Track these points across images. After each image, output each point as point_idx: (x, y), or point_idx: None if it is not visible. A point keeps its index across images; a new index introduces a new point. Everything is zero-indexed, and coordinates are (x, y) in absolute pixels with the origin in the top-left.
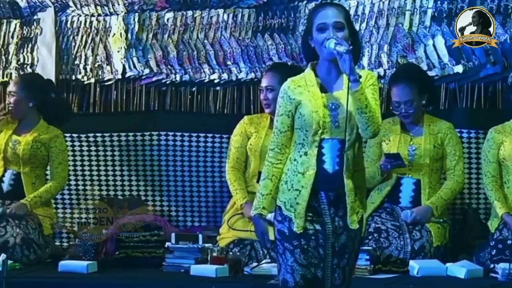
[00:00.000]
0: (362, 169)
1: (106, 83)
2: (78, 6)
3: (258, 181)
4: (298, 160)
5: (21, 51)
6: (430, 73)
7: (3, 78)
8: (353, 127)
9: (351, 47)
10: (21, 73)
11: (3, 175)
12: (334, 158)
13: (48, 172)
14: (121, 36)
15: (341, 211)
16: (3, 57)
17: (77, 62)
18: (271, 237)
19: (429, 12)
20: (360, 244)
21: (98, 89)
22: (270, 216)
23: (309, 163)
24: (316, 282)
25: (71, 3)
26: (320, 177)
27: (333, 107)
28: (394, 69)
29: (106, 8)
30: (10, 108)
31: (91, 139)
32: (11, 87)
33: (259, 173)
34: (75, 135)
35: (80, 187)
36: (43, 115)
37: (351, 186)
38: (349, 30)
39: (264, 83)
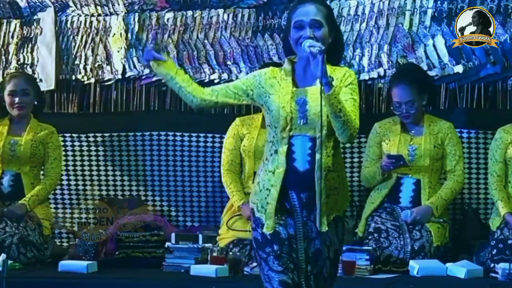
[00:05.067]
0: (339, 169)
1: (106, 83)
2: (78, 6)
3: (253, 182)
4: (269, 159)
5: (21, 51)
6: (430, 73)
7: (3, 78)
8: (324, 125)
9: (323, 47)
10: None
11: (1, 177)
12: (305, 156)
13: (42, 172)
14: (121, 36)
15: (314, 215)
16: (3, 57)
17: (77, 62)
18: None
19: (429, 12)
20: (337, 254)
21: (98, 89)
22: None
23: (279, 161)
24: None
25: (71, 3)
26: (290, 175)
27: (302, 102)
28: (394, 69)
29: (106, 8)
30: (22, 106)
31: (91, 139)
32: (23, 85)
33: (255, 173)
34: (75, 135)
35: (80, 187)
36: (34, 112)
37: (323, 187)
38: (330, 28)
39: None
